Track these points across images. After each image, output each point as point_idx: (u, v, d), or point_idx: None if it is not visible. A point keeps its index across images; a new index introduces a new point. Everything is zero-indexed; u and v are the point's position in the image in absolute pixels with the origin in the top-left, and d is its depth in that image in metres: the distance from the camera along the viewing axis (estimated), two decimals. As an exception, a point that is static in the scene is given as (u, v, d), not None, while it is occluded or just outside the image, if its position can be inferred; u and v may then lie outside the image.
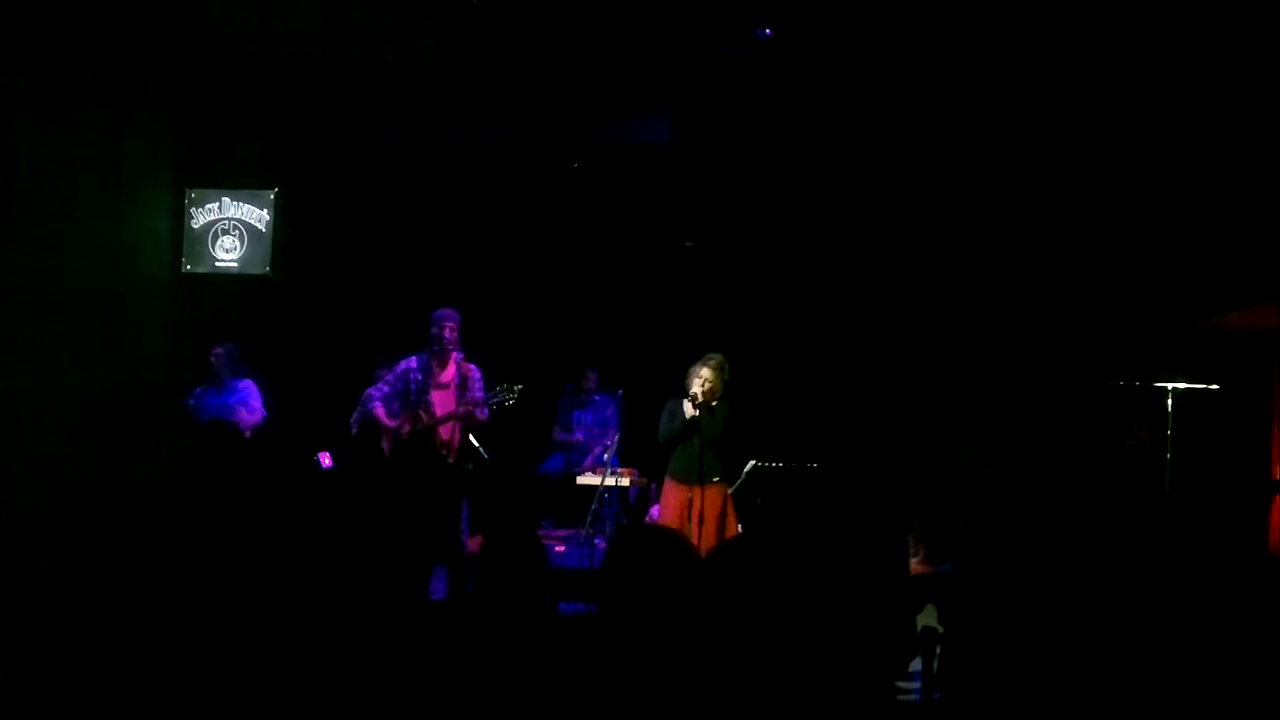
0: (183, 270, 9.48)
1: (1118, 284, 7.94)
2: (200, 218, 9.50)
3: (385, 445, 7.25)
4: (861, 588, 3.55)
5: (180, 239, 9.48)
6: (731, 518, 7.10)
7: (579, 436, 10.17)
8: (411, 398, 7.14)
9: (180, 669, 2.22)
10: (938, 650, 5.05)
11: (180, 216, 9.51)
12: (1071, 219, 7.93)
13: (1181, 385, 7.44)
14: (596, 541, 8.48)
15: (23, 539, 2.67)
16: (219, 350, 8.55)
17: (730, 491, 7.23)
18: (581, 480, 9.38)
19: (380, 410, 7.22)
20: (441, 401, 7.14)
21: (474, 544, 7.09)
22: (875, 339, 8.88)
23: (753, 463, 7.14)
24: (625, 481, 9.11)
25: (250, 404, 8.48)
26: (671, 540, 2.64)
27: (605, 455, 8.98)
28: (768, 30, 7.36)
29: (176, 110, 9.17)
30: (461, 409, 7.03)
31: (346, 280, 10.08)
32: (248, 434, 8.39)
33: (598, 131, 9.08)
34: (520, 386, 7.09)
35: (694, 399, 7.11)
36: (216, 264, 9.46)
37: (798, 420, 9.60)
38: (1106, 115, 7.53)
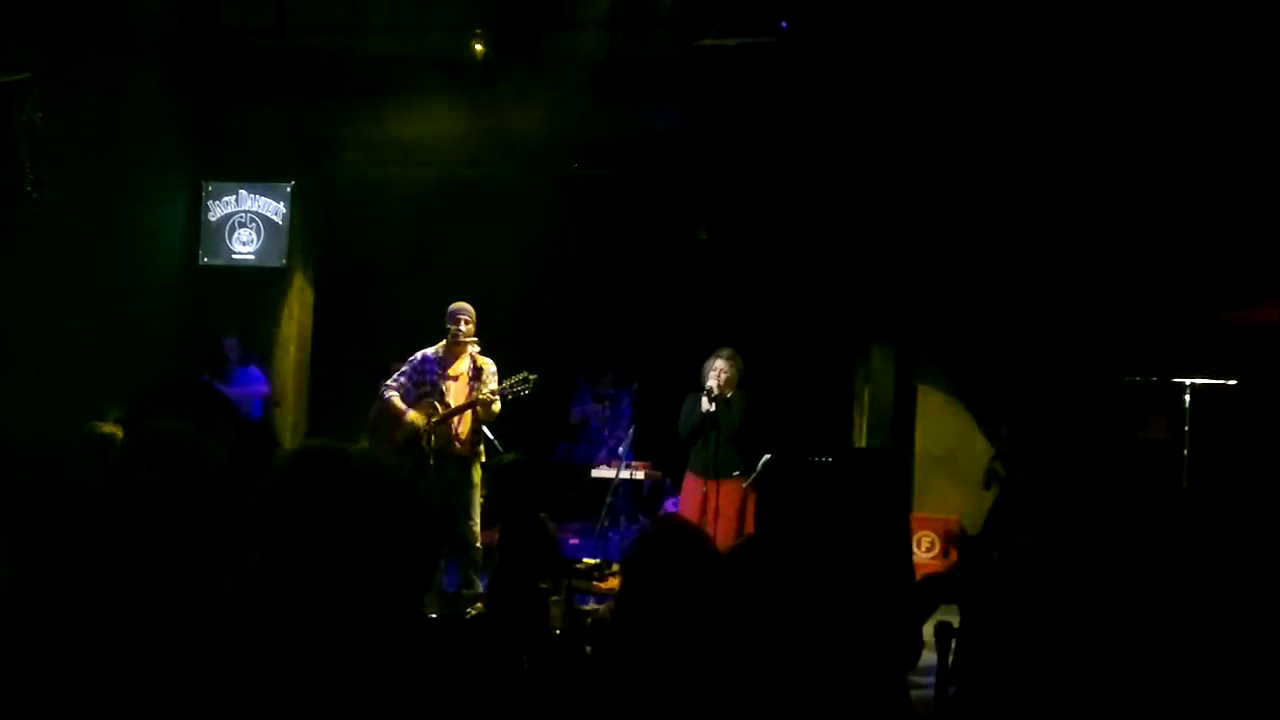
0: (199, 263, 9.53)
1: (1135, 280, 7.90)
2: (217, 210, 9.53)
3: (398, 434, 7.25)
4: (872, 584, 3.53)
5: (197, 231, 9.53)
6: (751, 512, 7.10)
7: (596, 412, 10.19)
8: (427, 388, 7.17)
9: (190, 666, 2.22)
10: (953, 645, 5.03)
11: (197, 209, 9.56)
12: (1088, 214, 7.89)
13: (1199, 380, 7.41)
14: (610, 534, 8.49)
15: (30, 532, 2.67)
16: (231, 341, 8.63)
17: (746, 485, 7.23)
18: (596, 473, 9.39)
19: (397, 402, 7.24)
20: (455, 393, 7.17)
21: (487, 537, 7.09)
22: (890, 336, 8.85)
23: (768, 456, 7.13)
24: (640, 475, 9.11)
25: (259, 382, 8.63)
26: (693, 535, 2.63)
27: (620, 448, 8.99)
28: (783, 22, 7.34)
29: (193, 103, 9.20)
30: (475, 400, 7.04)
31: (364, 274, 10.09)
32: (262, 402, 8.63)
33: (611, 122, 9.05)
34: (535, 377, 7.10)
35: (709, 392, 7.13)
36: (233, 256, 9.50)
37: (813, 413, 9.59)
38: (1122, 109, 7.48)
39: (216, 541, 2.55)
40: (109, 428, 3.68)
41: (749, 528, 7.05)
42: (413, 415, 7.15)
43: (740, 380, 7.30)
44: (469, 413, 7.13)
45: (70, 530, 2.22)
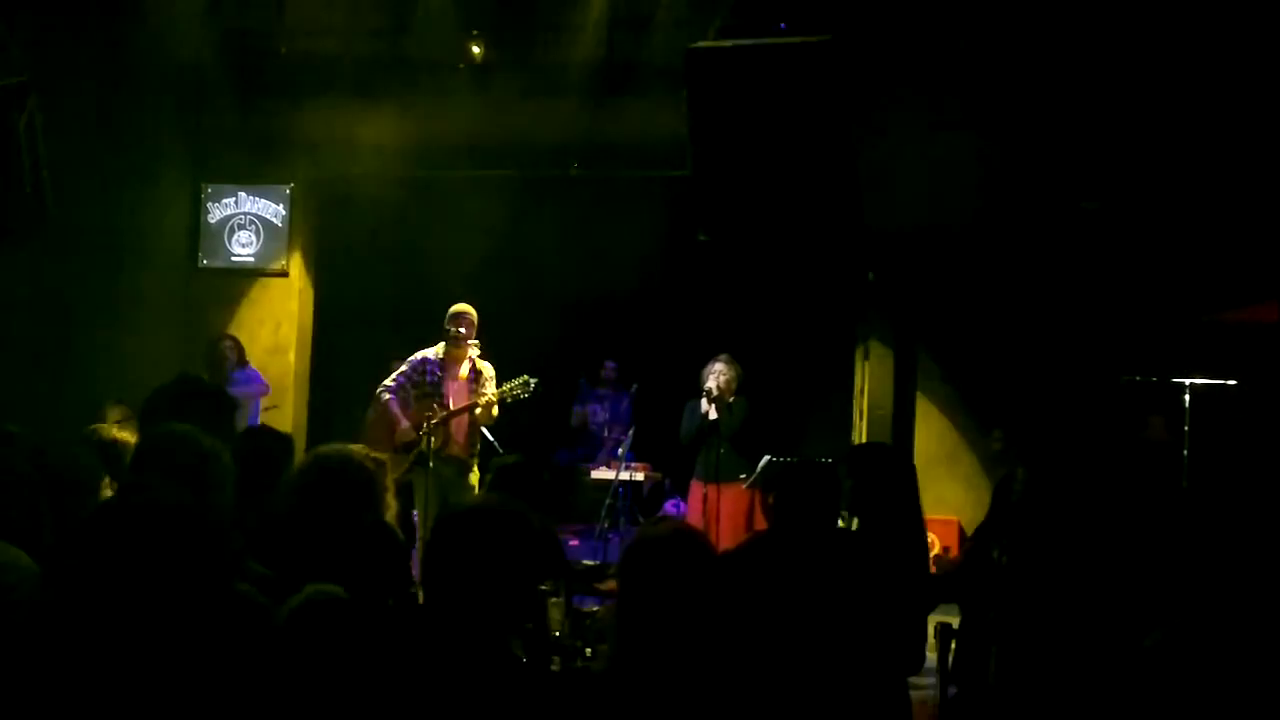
0: (199, 265, 9.53)
1: (1134, 279, 7.90)
2: (216, 212, 9.54)
3: (394, 439, 7.25)
4: (877, 583, 3.54)
5: (196, 233, 9.53)
6: (759, 516, 7.12)
7: (596, 414, 10.19)
8: (427, 389, 7.18)
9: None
10: (953, 646, 5.03)
11: (196, 211, 9.56)
12: (1086, 213, 7.90)
13: (1199, 381, 7.41)
14: (610, 536, 8.49)
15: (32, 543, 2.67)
16: (229, 342, 8.61)
17: (746, 485, 7.25)
18: (596, 475, 9.39)
19: (394, 403, 7.24)
20: (455, 395, 7.18)
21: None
22: (890, 337, 8.85)
23: (768, 458, 7.15)
24: (639, 476, 9.12)
25: (258, 383, 8.62)
26: (688, 536, 2.63)
27: (620, 450, 8.99)
28: (783, 24, 7.34)
29: (192, 105, 9.20)
30: (474, 403, 7.05)
31: (364, 276, 10.10)
32: (262, 402, 8.64)
33: (610, 123, 9.05)
34: (536, 381, 7.11)
35: (709, 394, 7.17)
36: (232, 258, 9.50)
37: (813, 415, 9.60)
38: (1122, 108, 7.49)
39: (230, 546, 2.55)
40: (112, 430, 3.68)
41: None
42: (408, 421, 7.16)
43: (739, 385, 7.34)
44: (466, 415, 7.14)
45: (79, 533, 2.22)
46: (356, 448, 3.24)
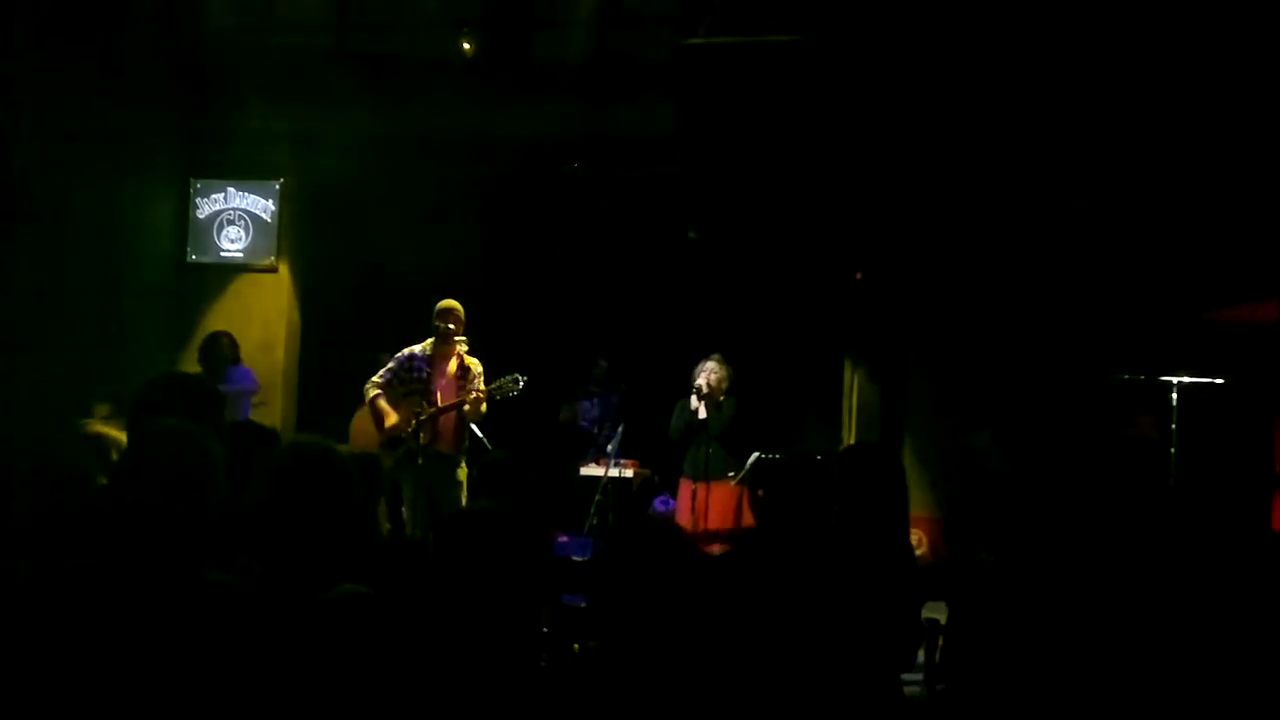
0: (187, 260, 9.52)
1: (1123, 277, 7.93)
2: (205, 208, 9.52)
3: (381, 433, 7.24)
4: (868, 581, 3.55)
5: (185, 229, 9.51)
6: (747, 513, 7.16)
7: (586, 410, 10.21)
8: (416, 385, 7.17)
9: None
10: (940, 642, 5.05)
11: (185, 207, 9.54)
12: (1078, 211, 7.91)
13: (1186, 379, 7.44)
14: (599, 533, 8.50)
15: (25, 540, 2.68)
16: (227, 339, 8.59)
17: (735, 482, 7.28)
18: (584, 471, 9.40)
19: (383, 400, 7.24)
20: (443, 392, 7.17)
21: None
22: (879, 336, 8.87)
23: (756, 454, 7.17)
24: (628, 473, 9.13)
25: (249, 380, 8.59)
26: (667, 532, 2.63)
27: (609, 447, 9.00)
28: (773, 22, 7.35)
29: (181, 100, 9.19)
30: (462, 400, 7.05)
31: (353, 272, 10.08)
32: (251, 400, 8.59)
33: (601, 121, 9.05)
34: (525, 378, 7.11)
35: (698, 391, 7.20)
36: (221, 254, 9.49)
37: (802, 414, 9.62)
38: (1110, 104, 7.50)
39: (216, 539, 2.56)
40: (101, 426, 3.68)
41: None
42: (396, 416, 7.16)
43: (730, 386, 7.40)
44: (455, 411, 7.14)
45: (71, 528, 2.22)
46: (345, 447, 3.25)
